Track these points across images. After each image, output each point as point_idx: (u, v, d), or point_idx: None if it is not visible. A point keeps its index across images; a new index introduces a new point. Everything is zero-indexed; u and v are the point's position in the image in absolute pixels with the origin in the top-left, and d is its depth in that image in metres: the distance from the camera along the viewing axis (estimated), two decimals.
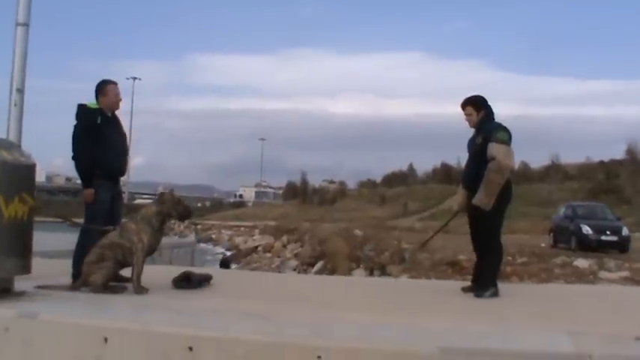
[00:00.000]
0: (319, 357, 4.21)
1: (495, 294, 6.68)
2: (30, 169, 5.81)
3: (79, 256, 6.60)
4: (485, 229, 6.83)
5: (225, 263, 23.34)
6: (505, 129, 6.71)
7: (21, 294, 5.72)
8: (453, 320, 5.34)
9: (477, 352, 4.21)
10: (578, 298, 7.44)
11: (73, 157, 6.80)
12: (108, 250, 6.20)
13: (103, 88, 6.96)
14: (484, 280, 6.79)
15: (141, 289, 6.11)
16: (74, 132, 6.81)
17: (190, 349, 4.39)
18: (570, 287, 10.78)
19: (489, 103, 7.01)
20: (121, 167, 7.17)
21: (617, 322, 5.44)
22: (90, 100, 6.91)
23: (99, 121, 6.79)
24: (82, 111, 6.85)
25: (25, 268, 5.72)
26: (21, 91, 6.09)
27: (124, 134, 7.34)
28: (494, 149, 6.54)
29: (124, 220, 6.83)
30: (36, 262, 5.94)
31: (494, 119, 6.91)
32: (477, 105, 6.93)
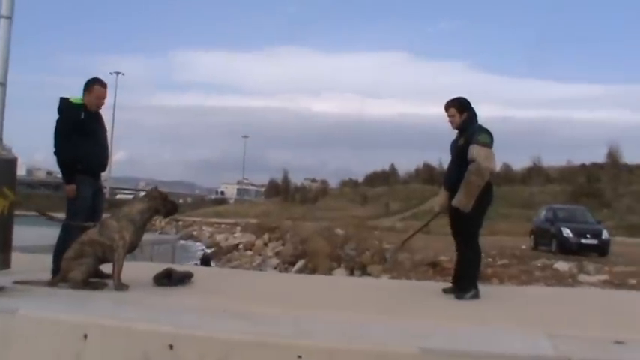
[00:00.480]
0: (299, 356, 4.22)
1: (476, 296, 6.70)
2: (11, 163, 5.80)
3: (59, 251, 6.57)
4: (464, 230, 6.85)
5: (205, 260, 23.24)
6: (487, 132, 6.72)
7: (0, 289, 5.68)
8: (433, 321, 5.37)
9: (458, 353, 4.24)
10: (557, 300, 7.50)
11: (55, 152, 6.77)
12: (88, 246, 6.19)
13: (91, 85, 6.92)
14: (464, 281, 6.81)
15: (121, 286, 6.10)
16: (56, 126, 6.78)
17: (171, 347, 4.39)
18: (549, 290, 10.83)
19: (472, 105, 7.01)
20: (102, 163, 7.15)
21: (596, 326, 5.48)
22: (73, 94, 6.88)
23: (82, 117, 6.77)
24: (65, 105, 6.82)
25: (5, 263, 5.71)
26: (3, 84, 6.03)
27: (106, 130, 7.31)
28: (474, 151, 6.54)
29: (105, 216, 6.81)
30: (16, 257, 5.93)
31: (477, 122, 6.91)
32: (460, 107, 6.93)
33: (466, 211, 6.53)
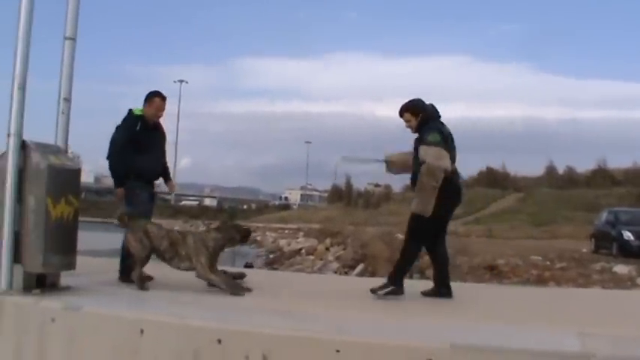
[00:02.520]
0: (338, 351, 4.50)
1: (393, 293, 6.50)
2: (76, 173, 6.18)
3: (125, 253, 6.92)
4: (409, 228, 6.74)
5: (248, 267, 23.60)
6: (438, 130, 6.57)
7: (66, 288, 6.11)
8: (467, 320, 5.60)
9: (486, 349, 4.43)
10: (599, 301, 7.59)
11: (107, 157, 7.08)
12: (168, 244, 6.55)
13: (150, 98, 7.21)
14: (389, 276, 6.72)
15: (238, 291, 6.47)
16: (114, 134, 7.11)
17: (219, 341, 4.71)
18: (595, 291, 10.85)
19: (430, 103, 6.88)
20: (155, 171, 7.41)
21: (631, 326, 5.52)
22: (138, 103, 7.25)
23: (138, 128, 7.07)
24: (126, 116, 7.15)
25: (70, 265, 6.10)
26: (68, 100, 6.50)
27: (164, 139, 7.55)
28: (422, 152, 6.45)
29: (186, 230, 7.08)
30: (80, 260, 6.32)
31: (433, 121, 6.75)
32: (414, 110, 6.80)
33: (427, 215, 6.38)
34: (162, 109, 7.32)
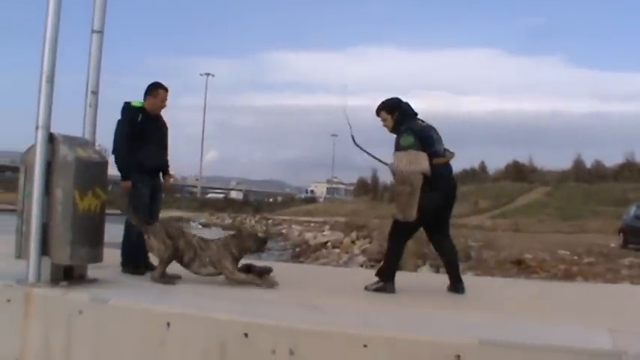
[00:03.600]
0: (365, 345, 4.49)
1: (383, 289, 6.48)
2: (103, 165, 6.21)
3: (126, 246, 7.04)
4: (390, 228, 6.75)
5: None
6: (409, 131, 6.46)
7: (94, 281, 6.15)
8: (496, 314, 5.55)
9: (515, 345, 4.39)
10: (634, 297, 7.51)
11: (113, 151, 7.10)
12: (184, 244, 6.57)
13: (154, 90, 7.23)
14: (381, 274, 6.67)
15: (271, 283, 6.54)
16: (116, 128, 7.11)
17: (246, 335, 4.72)
18: (631, 287, 10.73)
19: (406, 102, 6.82)
20: (159, 164, 7.41)
21: None
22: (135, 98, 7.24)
23: (139, 119, 7.08)
24: (125, 108, 7.15)
25: (98, 257, 6.14)
26: (95, 93, 6.51)
27: (166, 132, 7.54)
28: (396, 159, 6.42)
29: (207, 237, 7.10)
30: (107, 252, 6.37)
31: (407, 120, 6.66)
32: (390, 109, 6.77)
33: (410, 220, 6.29)
34: (164, 100, 7.33)
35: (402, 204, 6.35)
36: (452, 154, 6.72)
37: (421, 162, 6.32)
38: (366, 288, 6.56)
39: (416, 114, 6.77)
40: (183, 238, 6.62)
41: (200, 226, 53.93)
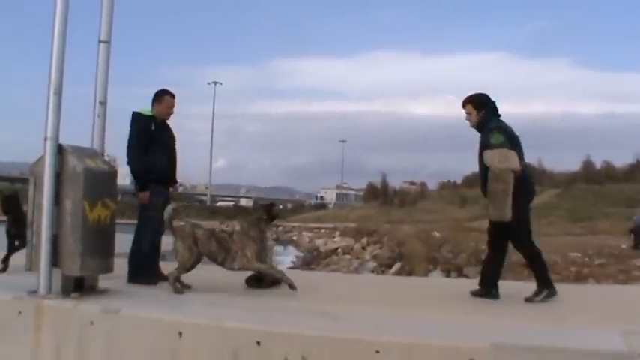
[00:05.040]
0: (377, 351, 4.46)
1: (552, 294, 6.41)
2: (112, 175, 6.20)
3: (135, 254, 7.01)
4: (514, 241, 6.63)
5: None
6: (500, 129, 6.42)
7: (104, 291, 6.15)
8: (509, 319, 5.52)
9: (528, 348, 4.36)
10: None
11: (128, 163, 7.07)
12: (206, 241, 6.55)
13: (161, 96, 7.20)
14: (539, 285, 6.48)
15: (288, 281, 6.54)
16: (129, 139, 7.06)
17: (258, 343, 4.70)
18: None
19: (493, 100, 6.73)
20: (171, 173, 7.40)
21: None
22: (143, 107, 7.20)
23: (153, 128, 7.06)
24: (137, 118, 7.09)
25: (108, 268, 6.14)
26: (103, 103, 6.54)
27: (174, 139, 7.50)
28: (487, 157, 6.35)
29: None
30: (118, 262, 6.37)
31: (495, 119, 6.61)
32: (478, 104, 6.67)
33: (506, 220, 6.22)
34: (171, 106, 7.30)
35: (499, 202, 6.29)
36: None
37: (512, 160, 6.29)
38: (529, 300, 6.38)
39: (500, 114, 6.71)
40: (215, 238, 6.58)
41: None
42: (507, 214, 6.22)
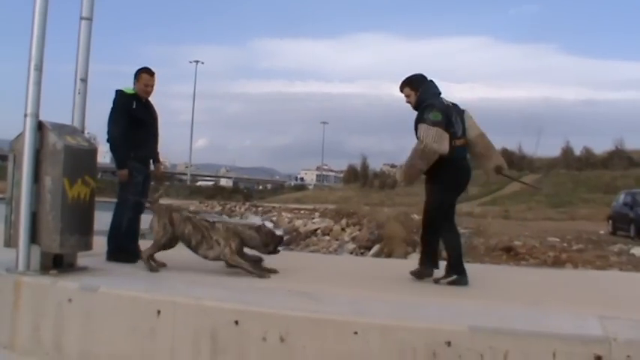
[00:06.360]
0: (355, 332, 4.50)
1: (457, 282, 6.39)
2: (92, 153, 6.18)
3: (113, 232, 7.04)
4: (424, 219, 6.74)
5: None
6: (438, 108, 6.38)
7: (83, 269, 6.14)
8: (486, 302, 5.56)
9: (505, 331, 4.41)
10: (618, 284, 7.55)
11: (108, 140, 7.08)
12: (191, 227, 6.55)
13: (138, 74, 7.22)
14: (449, 266, 6.54)
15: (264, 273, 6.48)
16: (110, 115, 7.07)
17: (236, 322, 4.73)
18: (619, 274, 10.79)
19: (431, 79, 6.72)
20: (151, 152, 7.44)
21: None
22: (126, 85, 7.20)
23: (134, 106, 7.08)
24: (119, 96, 7.12)
25: (87, 245, 6.12)
26: (84, 80, 6.48)
27: (156, 118, 7.52)
28: (422, 131, 6.30)
29: (213, 219, 7.11)
30: (97, 240, 6.36)
31: (433, 97, 6.55)
32: (415, 84, 6.65)
33: (406, 185, 6.59)
34: (150, 83, 7.29)
35: (411, 176, 6.46)
36: (464, 142, 6.58)
37: (443, 143, 6.28)
38: (436, 282, 6.46)
39: (440, 92, 6.69)
40: (190, 222, 6.59)
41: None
42: (410, 183, 6.62)
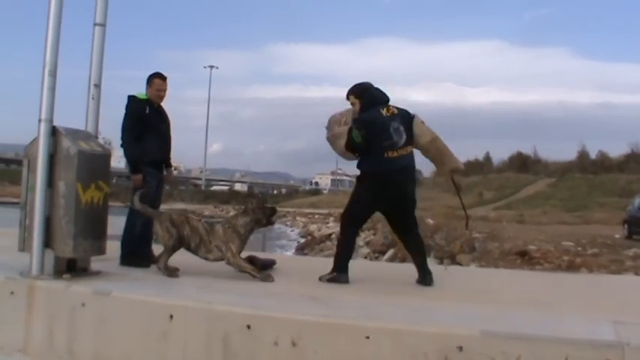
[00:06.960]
0: (368, 337, 4.49)
1: (334, 280, 6.45)
2: (105, 158, 6.21)
3: (127, 237, 7.06)
4: (342, 215, 6.93)
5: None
6: (363, 125, 6.43)
7: (97, 273, 6.17)
8: (498, 306, 5.54)
9: (517, 336, 4.39)
10: (638, 289, 7.49)
11: (122, 145, 7.09)
12: (190, 230, 6.55)
13: (150, 79, 7.26)
14: (334, 263, 6.64)
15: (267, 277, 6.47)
16: (123, 121, 7.09)
17: (248, 327, 4.74)
18: (635, 279, 10.72)
19: (376, 88, 6.75)
20: (164, 156, 7.45)
21: None
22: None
23: (147, 111, 7.11)
24: (131, 101, 7.15)
25: (101, 250, 6.15)
26: (98, 86, 6.52)
27: (169, 124, 7.53)
28: (343, 140, 6.59)
29: (213, 220, 7.13)
30: (110, 245, 6.39)
31: (374, 107, 6.54)
32: (359, 92, 6.69)
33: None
34: (162, 89, 7.34)
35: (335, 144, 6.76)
36: (406, 151, 6.51)
37: (347, 155, 6.69)
38: (319, 278, 6.54)
39: (386, 100, 6.66)
40: (188, 224, 6.58)
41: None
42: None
